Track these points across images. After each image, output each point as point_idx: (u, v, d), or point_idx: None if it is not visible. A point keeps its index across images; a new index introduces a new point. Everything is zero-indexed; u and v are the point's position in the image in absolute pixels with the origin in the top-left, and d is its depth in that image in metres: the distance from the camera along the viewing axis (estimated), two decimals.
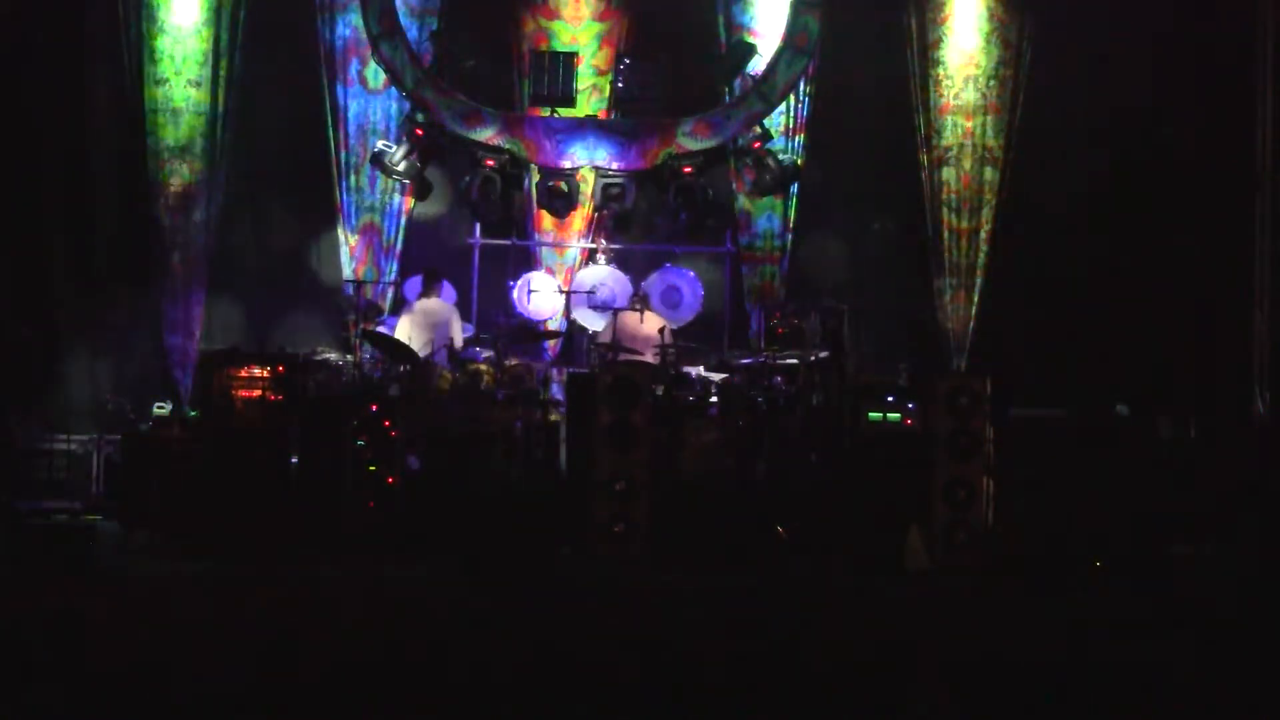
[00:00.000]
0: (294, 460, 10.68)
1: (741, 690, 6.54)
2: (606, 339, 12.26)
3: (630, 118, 13.51)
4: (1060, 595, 9.33)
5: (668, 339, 11.77)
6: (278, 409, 10.67)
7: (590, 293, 12.91)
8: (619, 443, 10.19)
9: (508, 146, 13.39)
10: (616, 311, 12.54)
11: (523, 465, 11.05)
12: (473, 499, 10.56)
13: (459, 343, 12.29)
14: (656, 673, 6.75)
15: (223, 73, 13.35)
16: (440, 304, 12.59)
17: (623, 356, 11.66)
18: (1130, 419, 11.01)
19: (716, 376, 11.85)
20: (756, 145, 13.46)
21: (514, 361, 11.88)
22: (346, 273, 13.54)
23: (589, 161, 13.44)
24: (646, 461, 10.23)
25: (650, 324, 12.26)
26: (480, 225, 13.60)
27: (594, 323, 13.07)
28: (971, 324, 13.55)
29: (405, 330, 12.28)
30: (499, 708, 6.19)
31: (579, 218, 13.65)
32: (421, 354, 11.84)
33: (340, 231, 13.63)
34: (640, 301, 12.64)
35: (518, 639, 7.51)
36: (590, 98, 13.61)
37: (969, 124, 13.57)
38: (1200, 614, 8.67)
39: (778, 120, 13.68)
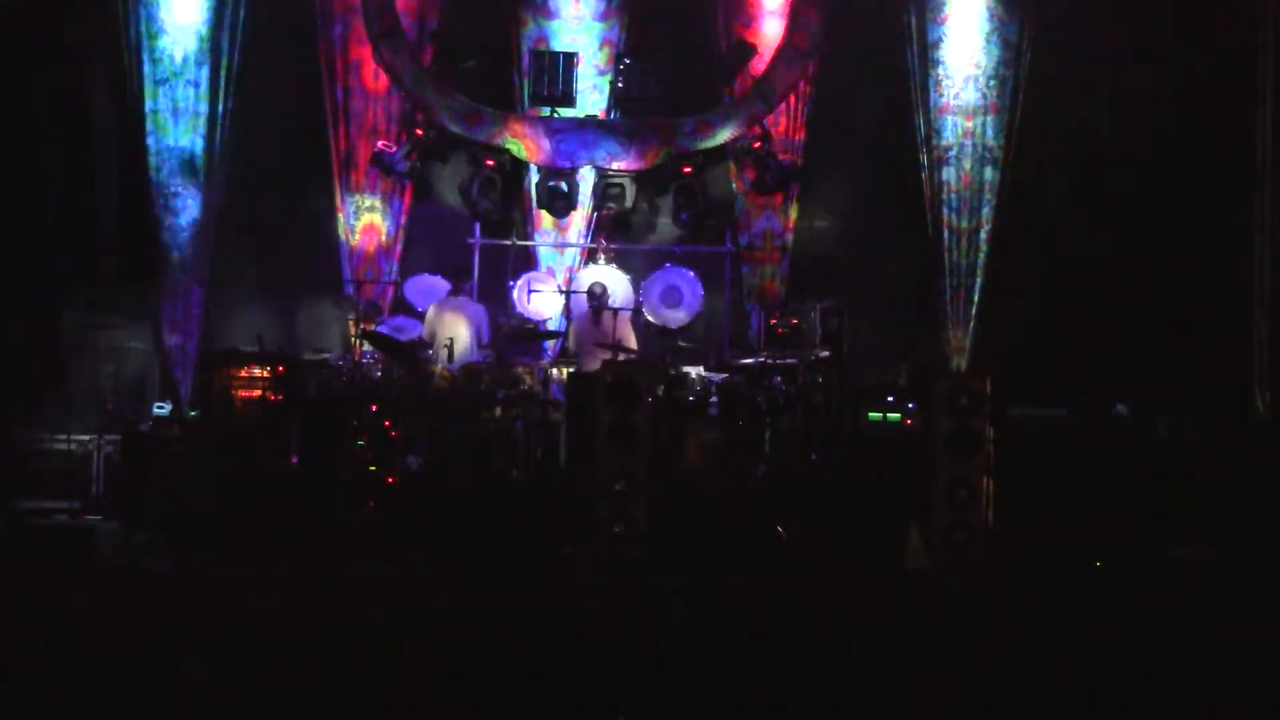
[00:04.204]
0: (294, 460, 10.68)
1: (741, 690, 6.54)
2: (572, 346, 12.39)
3: (630, 118, 13.51)
4: (1060, 595, 9.32)
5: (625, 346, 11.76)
6: (278, 409, 10.67)
7: (589, 290, 12.90)
8: (619, 443, 10.19)
9: (508, 146, 13.40)
10: (596, 310, 12.46)
11: (523, 465, 11.05)
12: (473, 499, 10.55)
13: (485, 339, 12.36)
14: (656, 673, 6.74)
15: (223, 73, 13.34)
16: (472, 301, 12.66)
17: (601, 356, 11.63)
18: (1130, 419, 11.00)
19: (716, 376, 11.85)
20: (756, 145, 13.46)
21: (514, 362, 11.87)
22: (346, 273, 13.54)
23: (589, 161, 13.45)
24: (646, 461, 10.23)
25: (617, 331, 12.16)
26: (480, 225, 13.60)
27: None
28: (971, 324, 13.55)
29: (442, 325, 12.23)
30: (499, 707, 6.19)
31: (579, 218, 13.65)
32: (459, 347, 11.88)
33: (340, 231, 13.64)
34: (598, 300, 12.51)
35: (518, 639, 7.51)
36: (590, 98, 13.61)
37: (969, 124, 13.56)
38: (1200, 614, 8.66)
39: (778, 120, 13.68)
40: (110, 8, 13.25)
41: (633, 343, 12.34)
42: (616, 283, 12.99)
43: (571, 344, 12.81)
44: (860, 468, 10.73)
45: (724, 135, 13.52)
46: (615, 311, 12.28)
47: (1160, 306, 12.92)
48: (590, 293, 12.57)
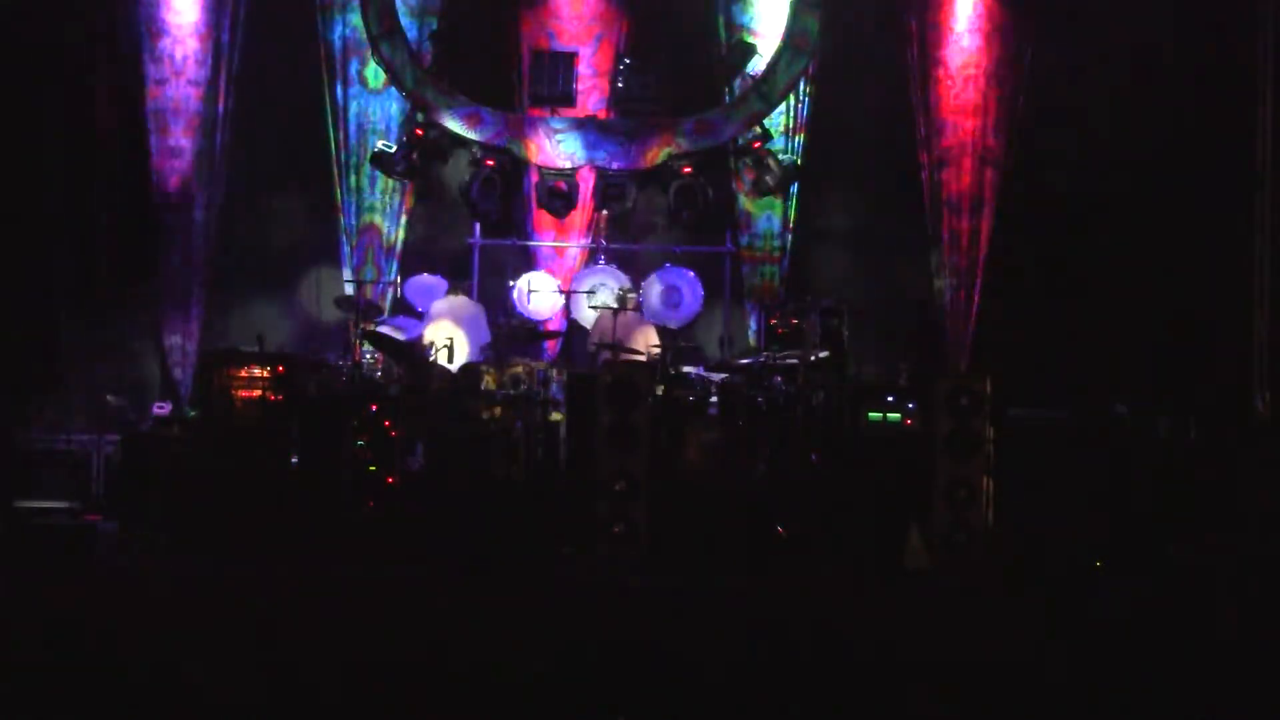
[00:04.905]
0: (294, 460, 10.68)
1: (741, 690, 6.53)
2: (595, 341, 12.35)
3: (630, 118, 13.51)
4: (1060, 596, 9.32)
5: (654, 351, 11.78)
6: (278, 409, 10.67)
7: (590, 293, 12.91)
8: (619, 443, 10.19)
9: (508, 146, 13.40)
10: (616, 311, 12.48)
11: (523, 465, 11.04)
12: (473, 499, 10.55)
13: (485, 339, 12.35)
14: (656, 673, 6.74)
15: (223, 73, 13.35)
16: (470, 301, 12.65)
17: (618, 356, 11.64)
18: (1130, 419, 11.00)
19: (716, 376, 11.85)
20: (756, 145, 13.46)
21: (514, 361, 11.87)
22: (347, 273, 13.54)
23: (589, 161, 13.45)
24: (646, 461, 10.22)
25: (638, 335, 12.20)
26: (480, 225, 13.61)
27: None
28: (971, 324, 13.55)
29: (440, 328, 12.21)
30: (499, 708, 6.19)
31: (579, 218, 13.66)
32: (465, 349, 11.86)
33: (340, 231, 13.64)
34: (625, 302, 12.54)
35: (518, 639, 7.51)
36: (590, 98, 13.61)
37: (969, 124, 13.56)
38: (1200, 614, 8.66)
39: (778, 120, 13.67)
40: (110, 8, 13.26)
41: (656, 340, 12.32)
42: (616, 283, 13.00)
43: (594, 339, 12.66)
44: (860, 468, 10.73)
45: (724, 135, 13.52)
46: (616, 312, 12.34)
47: (1160, 306, 12.91)
48: (621, 295, 12.57)
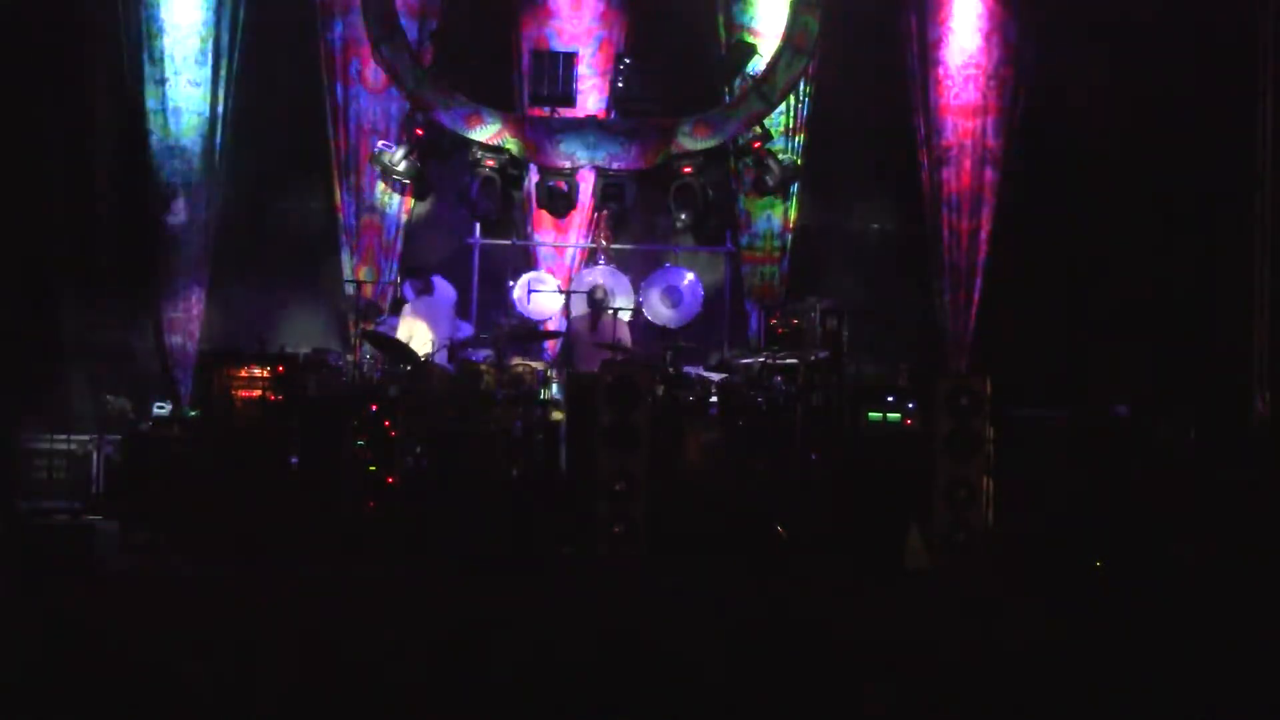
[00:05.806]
0: (294, 460, 10.68)
1: (741, 690, 6.53)
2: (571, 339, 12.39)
3: (630, 118, 13.51)
4: (1060, 595, 9.32)
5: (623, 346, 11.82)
6: (278, 409, 10.67)
7: (590, 293, 12.91)
8: (619, 443, 10.19)
9: (508, 146, 13.40)
10: (608, 315, 12.47)
11: (523, 465, 11.04)
12: (473, 499, 10.55)
13: (460, 333, 12.35)
14: (655, 673, 6.74)
15: (223, 73, 13.35)
16: (440, 300, 12.66)
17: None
18: (1130, 419, 11.01)
19: (716, 376, 11.86)
20: (756, 145, 13.46)
21: (514, 361, 11.88)
22: (346, 273, 13.54)
23: (589, 161, 13.45)
24: (646, 461, 10.22)
25: (615, 333, 12.22)
26: (480, 225, 13.61)
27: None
28: (971, 324, 13.55)
29: (408, 329, 12.29)
30: (499, 707, 6.19)
31: (579, 218, 13.66)
32: (423, 348, 11.87)
33: (340, 231, 13.63)
34: (598, 305, 12.57)
35: (518, 639, 7.51)
36: (590, 98, 13.61)
37: (969, 124, 13.56)
38: (1200, 614, 8.65)
39: (778, 120, 13.67)
40: (110, 8, 13.25)
41: (628, 344, 12.37)
42: (615, 283, 13.01)
43: (570, 339, 12.78)
44: (860, 468, 10.73)
45: (724, 135, 13.52)
46: (615, 313, 12.35)
47: (1160, 307, 12.92)
48: (591, 297, 12.60)
